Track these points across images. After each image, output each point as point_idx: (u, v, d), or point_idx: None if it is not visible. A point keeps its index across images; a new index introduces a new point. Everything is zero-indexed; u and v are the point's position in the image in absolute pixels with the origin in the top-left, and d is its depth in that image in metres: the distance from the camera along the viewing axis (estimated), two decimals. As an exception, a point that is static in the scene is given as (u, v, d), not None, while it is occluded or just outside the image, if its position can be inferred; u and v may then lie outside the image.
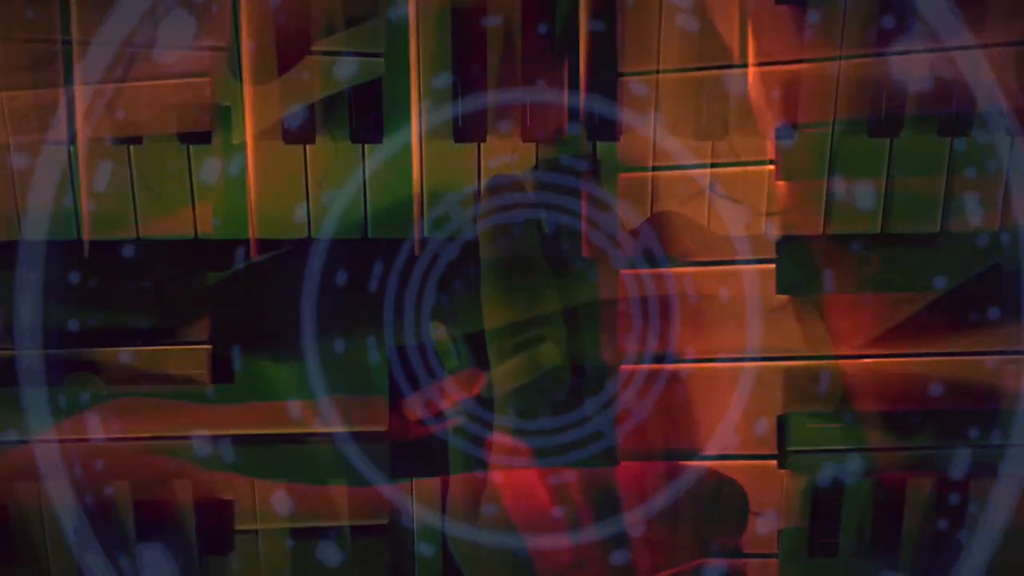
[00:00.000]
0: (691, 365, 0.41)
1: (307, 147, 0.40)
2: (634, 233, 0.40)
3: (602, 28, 0.40)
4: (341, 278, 0.41)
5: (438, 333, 0.41)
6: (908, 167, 0.40)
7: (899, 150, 0.40)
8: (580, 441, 0.40)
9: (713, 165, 0.41)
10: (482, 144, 0.40)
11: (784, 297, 0.41)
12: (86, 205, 0.41)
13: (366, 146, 0.41)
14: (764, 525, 0.42)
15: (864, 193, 0.40)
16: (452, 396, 0.41)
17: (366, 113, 0.40)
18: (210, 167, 0.41)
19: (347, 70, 0.40)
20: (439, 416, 0.41)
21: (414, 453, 0.42)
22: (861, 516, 0.42)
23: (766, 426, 0.42)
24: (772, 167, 0.41)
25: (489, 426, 0.40)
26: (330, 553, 0.43)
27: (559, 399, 0.39)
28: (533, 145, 0.40)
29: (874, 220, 0.40)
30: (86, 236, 0.41)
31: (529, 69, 0.40)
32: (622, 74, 0.40)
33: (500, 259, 0.39)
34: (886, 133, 0.40)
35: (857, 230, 0.41)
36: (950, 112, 0.40)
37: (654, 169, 0.41)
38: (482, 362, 0.40)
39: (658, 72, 0.40)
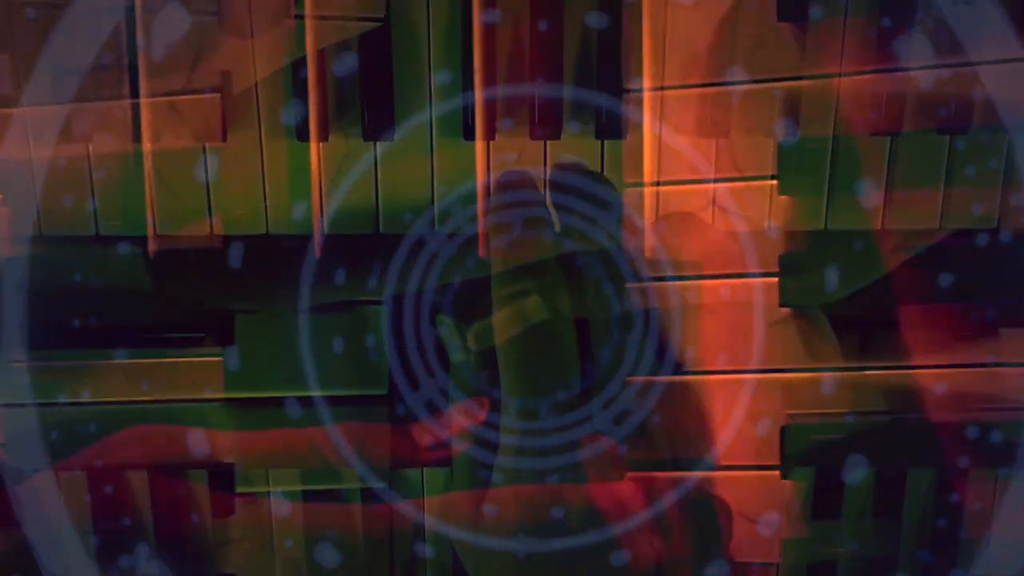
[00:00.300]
0: (693, 376, 0.42)
1: (320, 145, 0.41)
2: (638, 233, 0.41)
3: (605, 26, 0.41)
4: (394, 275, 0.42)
5: (447, 326, 0.41)
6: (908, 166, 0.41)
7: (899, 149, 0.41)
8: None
9: (716, 180, 0.41)
10: (492, 142, 0.41)
11: (786, 310, 0.42)
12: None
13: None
14: (764, 530, 0.42)
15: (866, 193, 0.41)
16: (460, 423, 0.41)
17: (378, 111, 0.41)
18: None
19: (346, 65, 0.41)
20: (446, 443, 0.42)
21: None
22: (862, 519, 0.42)
23: (769, 437, 0.42)
24: (774, 181, 0.41)
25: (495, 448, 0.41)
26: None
27: (557, 374, 0.40)
28: (541, 144, 0.41)
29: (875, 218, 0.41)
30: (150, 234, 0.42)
31: (534, 67, 0.41)
32: (627, 90, 0.41)
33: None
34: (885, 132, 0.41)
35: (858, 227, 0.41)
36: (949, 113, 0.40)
37: (658, 184, 0.42)
38: (488, 359, 0.41)
39: (663, 88, 0.41)
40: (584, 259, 0.40)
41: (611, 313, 0.40)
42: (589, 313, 0.40)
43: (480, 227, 0.41)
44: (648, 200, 0.41)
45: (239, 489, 0.43)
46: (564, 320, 0.39)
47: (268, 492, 0.43)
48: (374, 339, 0.42)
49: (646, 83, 0.41)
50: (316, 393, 0.42)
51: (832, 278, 0.42)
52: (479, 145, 0.41)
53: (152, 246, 0.42)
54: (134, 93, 0.41)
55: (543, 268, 0.40)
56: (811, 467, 0.42)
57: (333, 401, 0.42)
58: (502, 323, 0.39)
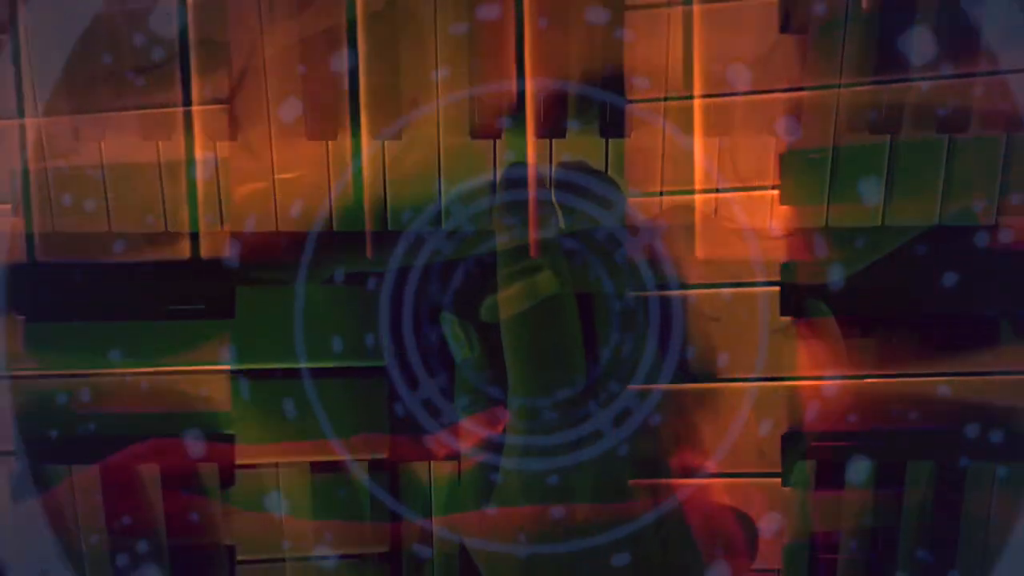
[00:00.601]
0: (696, 385, 0.42)
1: (330, 143, 0.42)
2: (638, 231, 0.42)
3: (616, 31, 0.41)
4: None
5: (450, 323, 0.42)
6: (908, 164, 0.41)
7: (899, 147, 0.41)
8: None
9: (718, 191, 0.42)
10: (497, 141, 0.42)
11: (787, 318, 0.42)
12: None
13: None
14: (765, 536, 0.42)
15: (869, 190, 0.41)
16: (476, 434, 0.42)
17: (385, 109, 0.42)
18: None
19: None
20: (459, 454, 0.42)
21: None
22: (862, 525, 0.43)
23: (770, 444, 0.42)
24: (776, 192, 0.42)
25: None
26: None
27: (564, 355, 0.40)
28: (547, 142, 0.42)
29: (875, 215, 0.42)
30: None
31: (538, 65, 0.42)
32: (630, 101, 0.42)
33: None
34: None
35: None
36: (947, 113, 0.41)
37: (662, 194, 0.42)
38: (494, 352, 0.41)
39: (665, 100, 0.42)
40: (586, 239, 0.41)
41: (612, 291, 0.41)
42: (593, 288, 0.40)
43: (532, 228, 0.41)
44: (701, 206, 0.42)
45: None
46: (569, 296, 0.40)
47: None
48: (372, 338, 0.43)
49: (697, 90, 0.41)
50: (314, 364, 0.43)
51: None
52: (530, 140, 0.42)
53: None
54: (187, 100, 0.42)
55: (550, 245, 0.40)
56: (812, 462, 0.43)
57: (332, 373, 0.43)
58: (512, 297, 0.40)
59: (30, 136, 0.42)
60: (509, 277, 0.40)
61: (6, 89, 0.43)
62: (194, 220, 0.43)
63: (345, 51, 0.41)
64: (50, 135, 0.42)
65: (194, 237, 0.42)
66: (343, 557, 0.43)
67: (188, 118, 0.42)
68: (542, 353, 0.40)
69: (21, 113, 0.42)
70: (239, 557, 0.43)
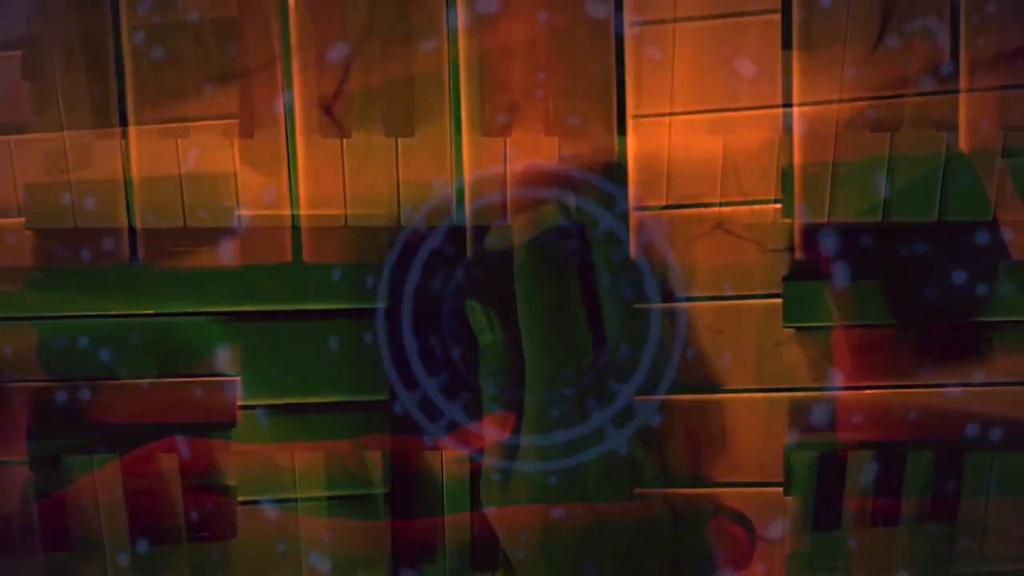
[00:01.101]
0: (697, 396, 0.42)
1: (344, 140, 0.43)
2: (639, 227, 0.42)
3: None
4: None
5: (473, 310, 0.42)
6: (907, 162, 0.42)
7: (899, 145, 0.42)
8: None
9: (722, 204, 0.43)
10: (508, 139, 0.42)
11: (789, 331, 0.43)
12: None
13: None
14: (767, 545, 0.43)
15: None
16: (487, 437, 0.42)
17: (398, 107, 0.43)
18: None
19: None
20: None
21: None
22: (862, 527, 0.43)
23: (773, 455, 0.43)
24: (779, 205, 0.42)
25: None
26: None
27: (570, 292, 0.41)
28: (555, 140, 0.42)
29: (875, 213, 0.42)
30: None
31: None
32: (635, 116, 0.43)
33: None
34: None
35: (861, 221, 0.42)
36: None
37: (666, 208, 0.43)
38: (515, 339, 0.42)
39: (671, 114, 0.43)
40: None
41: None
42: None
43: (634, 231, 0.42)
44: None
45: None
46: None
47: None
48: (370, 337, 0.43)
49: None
50: (317, 307, 0.43)
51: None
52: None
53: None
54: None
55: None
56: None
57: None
58: (520, 226, 0.41)
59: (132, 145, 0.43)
60: (518, 212, 0.42)
61: (22, 102, 0.44)
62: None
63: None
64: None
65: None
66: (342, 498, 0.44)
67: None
68: (549, 288, 0.41)
69: (124, 122, 0.44)
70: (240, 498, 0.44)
